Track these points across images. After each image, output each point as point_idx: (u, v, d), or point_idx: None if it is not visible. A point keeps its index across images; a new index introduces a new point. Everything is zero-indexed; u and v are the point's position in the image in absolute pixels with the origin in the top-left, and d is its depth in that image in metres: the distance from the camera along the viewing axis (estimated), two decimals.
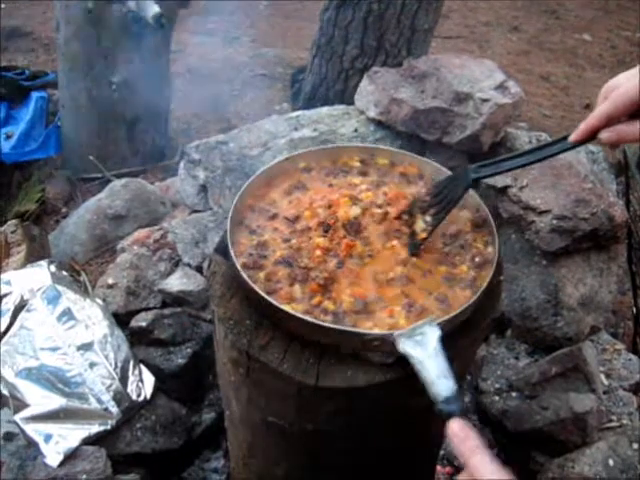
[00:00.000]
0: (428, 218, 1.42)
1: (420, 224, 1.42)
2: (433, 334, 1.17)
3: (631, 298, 2.83)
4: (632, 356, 2.42)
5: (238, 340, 1.30)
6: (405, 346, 1.17)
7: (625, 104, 1.14)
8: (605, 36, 6.19)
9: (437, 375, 1.11)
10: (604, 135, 1.17)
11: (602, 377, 2.30)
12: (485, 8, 6.57)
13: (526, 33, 6.16)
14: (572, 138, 1.23)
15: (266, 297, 1.27)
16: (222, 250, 1.46)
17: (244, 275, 1.31)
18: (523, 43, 5.97)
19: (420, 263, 1.39)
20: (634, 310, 2.78)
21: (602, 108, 1.17)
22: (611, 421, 2.20)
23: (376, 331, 1.23)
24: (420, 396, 1.34)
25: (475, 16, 6.40)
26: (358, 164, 1.64)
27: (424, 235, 1.40)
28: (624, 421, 2.19)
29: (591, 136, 1.21)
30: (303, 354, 1.27)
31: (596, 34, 6.21)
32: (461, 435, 1.02)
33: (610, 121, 1.17)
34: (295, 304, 1.30)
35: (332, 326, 1.23)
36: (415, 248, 1.40)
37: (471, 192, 1.48)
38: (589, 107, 4.86)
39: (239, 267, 1.33)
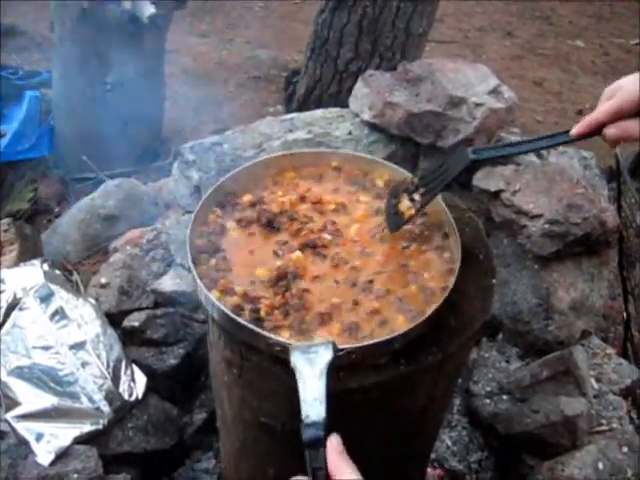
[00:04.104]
0: (417, 197, 1.39)
1: (406, 203, 1.39)
2: (325, 356, 1.14)
3: (622, 303, 2.84)
4: (622, 360, 2.44)
5: (232, 340, 1.30)
6: (297, 360, 1.14)
7: (632, 103, 1.17)
8: (598, 43, 6.23)
9: (314, 397, 1.09)
10: (610, 131, 1.19)
11: (592, 381, 2.31)
12: (479, 13, 6.60)
13: (519, 38, 6.20)
14: (575, 131, 1.24)
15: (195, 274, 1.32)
16: None
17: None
18: (516, 48, 6.00)
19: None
20: (624, 315, 2.79)
21: (609, 104, 1.19)
22: (601, 425, 2.21)
23: (277, 337, 1.21)
24: (412, 397, 1.35)
25: (469, 21, 6.44)
26: (382, 185, 1.58)
27: (411, 212, 1.38)
28: (614, 425, 2.20)
29: (594, 131, 1.21)
30: None
31: (589, 41, 6.25)
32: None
33: (615, 118, 1.18)
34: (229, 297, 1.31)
35: (242, 322, 1.23)
36: (397, 226, 1.40)
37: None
38: (582, 113, 4.88)
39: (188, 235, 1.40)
